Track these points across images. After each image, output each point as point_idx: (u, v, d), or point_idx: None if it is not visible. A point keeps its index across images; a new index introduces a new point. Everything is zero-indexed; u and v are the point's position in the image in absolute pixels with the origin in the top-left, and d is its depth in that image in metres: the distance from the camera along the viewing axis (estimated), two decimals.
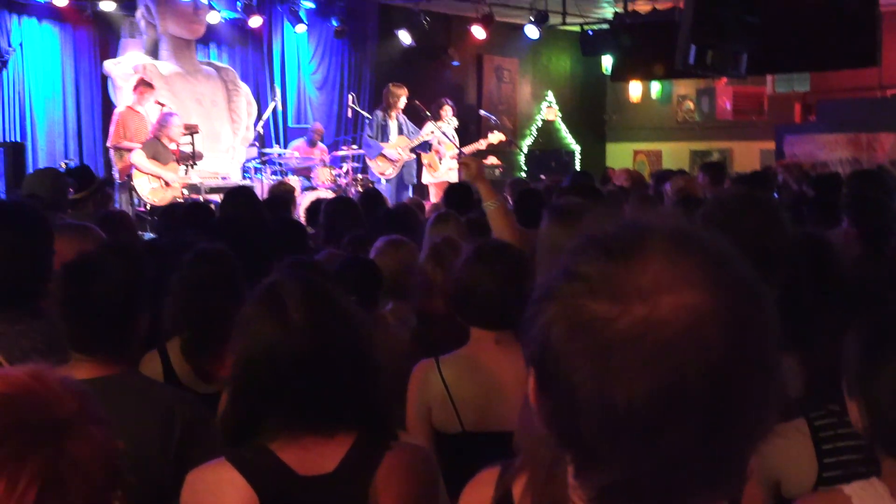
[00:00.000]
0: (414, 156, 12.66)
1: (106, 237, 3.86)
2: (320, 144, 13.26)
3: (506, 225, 4.49)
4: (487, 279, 3.08)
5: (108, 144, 11.02)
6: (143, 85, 11.11)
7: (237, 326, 2.10)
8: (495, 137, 13.30)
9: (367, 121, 12.72)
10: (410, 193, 12.57)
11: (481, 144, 13.24)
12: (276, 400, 2.02)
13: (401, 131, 12.53)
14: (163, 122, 10.68)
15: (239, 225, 4.84)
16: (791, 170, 11.36)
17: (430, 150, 12.98)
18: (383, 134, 12.43)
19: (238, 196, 5.50)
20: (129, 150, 10.61)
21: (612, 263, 1.01)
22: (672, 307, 0.97)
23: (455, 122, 13.05)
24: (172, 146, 10.65)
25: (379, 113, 12.55)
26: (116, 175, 10.72)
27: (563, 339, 1.01)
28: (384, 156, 12.36)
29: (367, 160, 12.63)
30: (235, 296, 3.40)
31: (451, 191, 7.45)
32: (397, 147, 12.43)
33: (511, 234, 4.30)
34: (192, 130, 10.91)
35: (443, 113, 13.09)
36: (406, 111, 12.81)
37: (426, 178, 13.11)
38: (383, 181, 12.45)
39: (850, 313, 3.36)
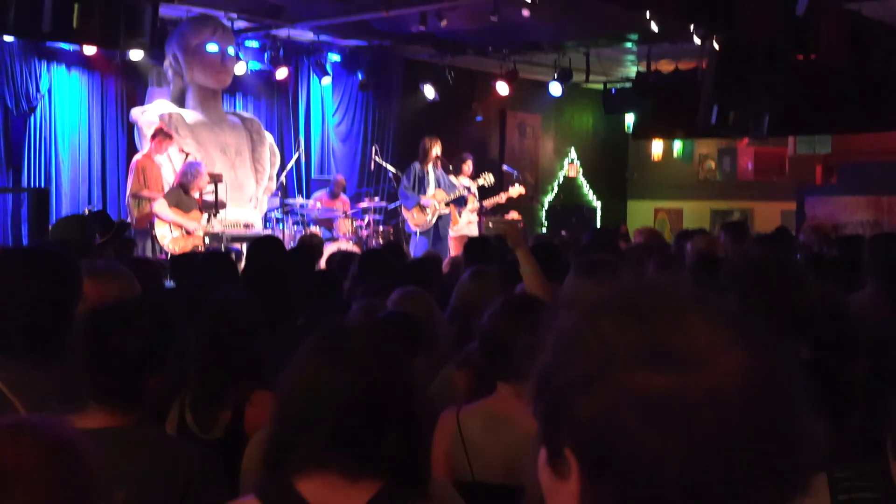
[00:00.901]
0: (448, 209, 12.71)
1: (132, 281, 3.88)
2: (342, 196, 13.33)
3: (539, 287, 4.50)
4: (514, 332, 3.09)
5: (128, 193, 11.04)
6: (161, 134, 11.19)
7: (292, 363, 2.09)
8: (515, 191, 13.35)
9: (405, 173, 12.78)
10: (448, 245, 12.60)
11: (501, 199, 13.30)
12: (319, 434, 2.01)
13: (439, 184, 12.59)
14: (189, 170, 10.76)
15: (265, 273, 4.86)
16: (813, 231, 11.34)
17: (465, 204, 13.04)
18: (420, 186, 12.51)
19: (265, 245, 5.53)
20: (149, 199, 10.69)
21: (651, 329, 0.99)
22: (732, 371, 0.96)
23: (491, 179, 13.10)
24: (196, 194, 10.74)
25: (416, 165, 12.64)
26: (134, 223, 10.77)
27: (636, 424, 0.96)
28: (421, 207, 12.43)
29: (404, 211, 12.70)
30: (254, 345, 3.41)
31: (470, 245, 7.46)
32: (434, 199, 12.47)
33: (544, 296, 4.31)
34: (216, 179, 11.01)
35: (464, 167, 13.19)
36: None
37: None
38: (418, 233, 12.50)
39: (877, 373, 3.34)
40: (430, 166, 12.58)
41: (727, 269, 2.95)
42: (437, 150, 12.59)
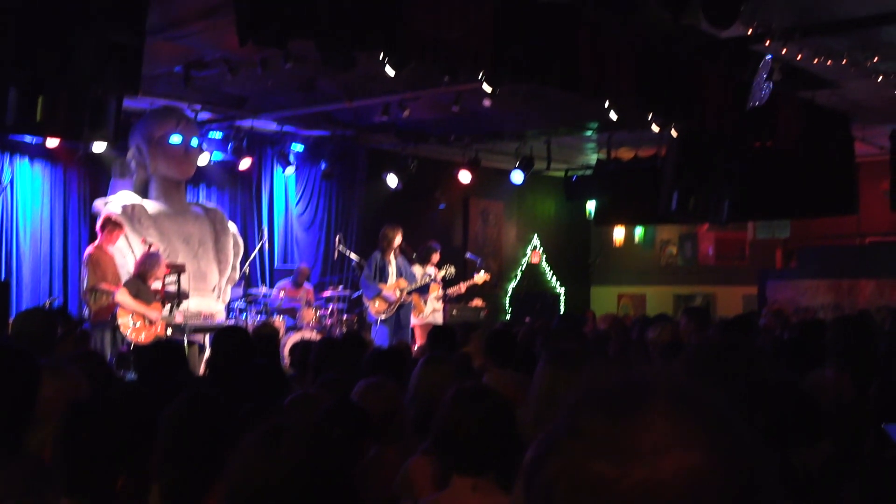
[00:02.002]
0: (411, 298, 12.69)
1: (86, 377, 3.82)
2: (306, 285, 13.29)
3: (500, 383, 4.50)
4: (467, 423, 3.06)
5: (85, 287, 10.83)
6: (111, 224, 10.98)
7: (233, 460, 2.10)
8: (480, 278, 13.40)
9: (367, 262, 12.77)
10: (409, 334, 12.58)
11: (461, 289, 13.33)
12: None
13: (400, 273, 12.58)
14: (147, 260, 10.68)
15: (230, 364, 4.82)
16: (774, 315, 11.44)
17: (427, 292, 13.04)
18: (382, 275, 12.48)
19: (230, 337, 5.48)
20: (107, 292, 10.58)
21: (614, 421, 1.01)
22: (672, 469, 0.97)
23: (452, 271, 13.11)
24: (156, 284, 10.65)
25: (377, 255, 12.62)
26: (90, 316, 10.63)
27: (566, 498, 1.00)
28: (382, 297, 12.38)
29: (365, 300, 12.63)
30: (221, 440, 3.35)
31: (435, 333, 7.47)
32: (396, 288, 12.45)
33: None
34: (178, 270, 10.94)
35: (433, 257, 13.24)
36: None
37: (412, 321, 13.12)
38: (378, 321, 12.44)
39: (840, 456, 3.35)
40: (391, 255, 12.59)
41: (684, 356, 2.96)
42: (398, 239, 12.61)
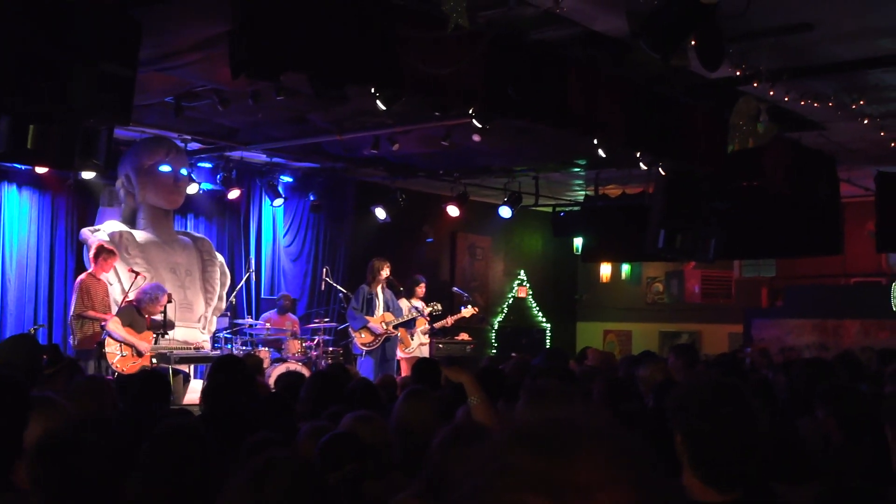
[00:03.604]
0: (397, 332, 12.71)
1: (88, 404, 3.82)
2: (290, 315, 13.27)
3: (488, 418, 4.48)
4: (453, 463, 3.04)
5: (72, 313, 10.82)
6: (105, 252, 11.01)
7: (224, 493, 2.09)
8: (468, 311, 13.43)
9: (354, 294, 12.79)
10: (395, 367, 12.57)
11: (448, 322, 13.36)
12: None
13: (387, 307, 12.61)
14: (150, 292, 10.66)
15: (227, 395, 4.83)
16: (760, 354, 11.46)
17: (414, 326, 13.06)
18: (368, 307, 12.50)
19: (227, 367, 5.48)
20: (94, 319, 10.54)
21: (547, 460, 1.06)
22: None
23: (439, 308, 13.14)
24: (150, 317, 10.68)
25: (364, 287, 12.65)
26: (76, 343, 10.59)
27: None
28: (368, 329, 12.39)
29: (351, 331, 12.64)
30: (203, 472, 3.35)
31: (419, 367, 7.47)
32: (382, 321, 12.46)
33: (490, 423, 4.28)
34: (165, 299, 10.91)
35: (417, 290, 13.27)
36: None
37: (398, 353, 13.12)
38: (364, 353, 12.44)
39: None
40: (378, 288, 12.62)
41: (675, 395, 2.96)
42: (385, 271, 12.64)
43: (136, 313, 10.54)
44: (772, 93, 8.80)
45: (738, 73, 8.22)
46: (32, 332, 11.01)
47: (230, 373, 5.30)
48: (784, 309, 16.49)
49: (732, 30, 7.16)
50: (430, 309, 13.06)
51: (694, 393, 3.05)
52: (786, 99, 9.12)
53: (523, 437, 1.11)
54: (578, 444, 1.08)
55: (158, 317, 10.79)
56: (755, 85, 8.57)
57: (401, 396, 5.07)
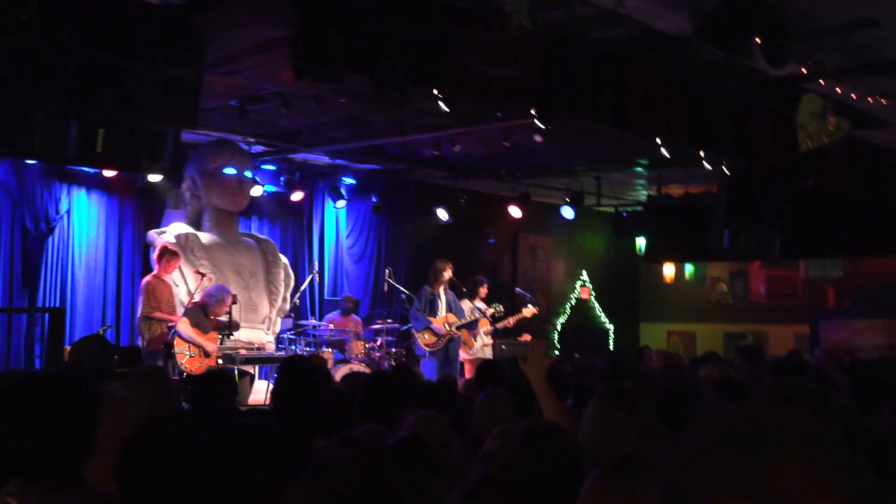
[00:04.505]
0: (460, 333, 12.75)
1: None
2: (354, 316, 13.36)
3: (556, 417, 4.48)
4: (534, 463, 3.03)
5: (139, 315, 10.99)
6: (168, 254, 11.16)
7: (288, 492, 2.11)
8: (529, 311, 13.41)
9: (416, 294, 12.87)
10: (458, 368, 12.61)
11: (509, 322, 13.35)
12: None
13: (449, 308, 12.66)
14: (216, 294, 10.81)
15: (296, 396, 4.91)
16: (828, 356, 11.29)
17: (476, 327, 13.09)
18: (431, 308, 12.57)
19: (295, 367, 5.55)
20: (161, 321, 10.71)
21: (759, 466, 1.04)
22: None
23: (501, 309, 13.15)
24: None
25: (427, 288, 12.72)
26: (144, 344, 10.77)
27: None
28: (431, 330, 12.46)
29: (414, 332, 12.71)
30: (275, 471, 3.40)
31: (483, 368, 7.47)
32: (445, 322, 12.51)
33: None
34: (231, 300, 11.06)
35: (480, 290, 13.29)
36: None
37: (461, 355, 13.16)
38: (428, 354, 12.50)
39: None
40: (441, 289, 12.66)
41: (756, 399, 2.90)
42: (448, 273, 12.68)
43: (202, 314, 10.69)
44: (838, 90, 8.66)
45: (803, 71, 8.11)
46: (101, 332, 11.21)
47: (297, 373, 5.36)
48: (852, 309, 16.22)
49: (798, 27, 7.07)
50: (493, 310, 13.07)
51: (773, 397, 3.01)
52: (852, 96, 8.97)
53: (726, 439, 1.09)
54: (785, 447, 1.05)
55: (224, 318, 10.93)
56: (821, 83, 8.45)
57: (480, 398, 5.08)
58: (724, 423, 1.11)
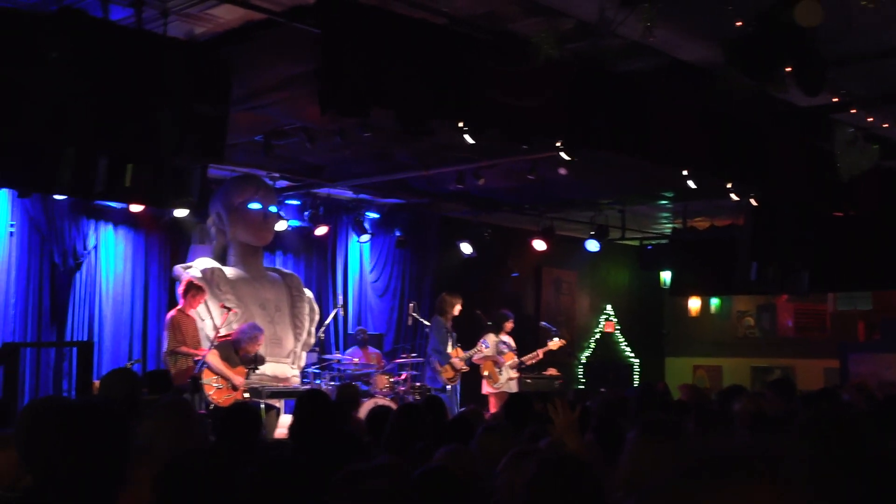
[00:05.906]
0: (467, 368, 12.84)
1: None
2: (370, 349, 13.35)
3: (581, 451, 4.43)
4: (555, 495, 3.00)
5: (165, 349, 11.04)
6: (194, 289, 11.24)
7: None
8: (554, 344, 13.39)
9: (431, 329, 12.90)
10: (458, 402, 12.68)
11: (538, 355, 13.31)
12: None
13: (455, 343, 12.73)
14: (249, 332, 10.83)
15: (314, 428, 4.88)
16: (858, 390, 11.14)
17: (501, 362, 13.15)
18: (449, 343, 12.69)
19: (313, 401, 5.54)
20: (187, 355, 10.72)
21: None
22: None
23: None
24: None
25: (440, 319, 12.76)
26: (170, 378, 10.76)
27: None
28: (451, 364, 12.58)
29: (437, 367, 12.73)
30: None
31: (511, 402, 7.40)
32: (457, 356, 12.59)
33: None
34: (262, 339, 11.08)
35: (506, 325, 13.30)
36: (466, 321, 12.99)
37: (485, 388, 13.11)
38: (448, 389, 12.52)
39: None
40: (449, 324, 12.78)
41: (800, 429, 2.89)
42: (458, 308, 12.77)
43: (233, 350, 10.71)
44: (870, 119, 8.61)
45: (834, 100, 8.07)
46: (129, 366, 11.23)
47: (315, 407, 5.35)
48: (882, 343, 16.02)
49: (828, 54, 7.04)
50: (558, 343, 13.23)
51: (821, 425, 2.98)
52: (884, 126, 8.91)
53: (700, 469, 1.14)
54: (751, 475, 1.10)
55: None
56: (853, 111, 8.40)
57: (478, 431, 5.06)
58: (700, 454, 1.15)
